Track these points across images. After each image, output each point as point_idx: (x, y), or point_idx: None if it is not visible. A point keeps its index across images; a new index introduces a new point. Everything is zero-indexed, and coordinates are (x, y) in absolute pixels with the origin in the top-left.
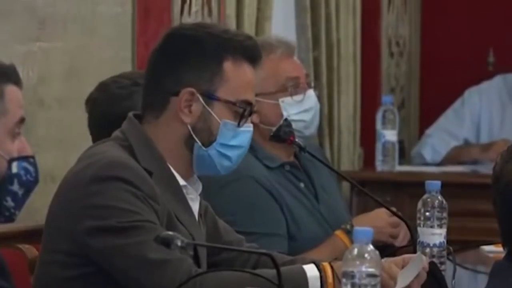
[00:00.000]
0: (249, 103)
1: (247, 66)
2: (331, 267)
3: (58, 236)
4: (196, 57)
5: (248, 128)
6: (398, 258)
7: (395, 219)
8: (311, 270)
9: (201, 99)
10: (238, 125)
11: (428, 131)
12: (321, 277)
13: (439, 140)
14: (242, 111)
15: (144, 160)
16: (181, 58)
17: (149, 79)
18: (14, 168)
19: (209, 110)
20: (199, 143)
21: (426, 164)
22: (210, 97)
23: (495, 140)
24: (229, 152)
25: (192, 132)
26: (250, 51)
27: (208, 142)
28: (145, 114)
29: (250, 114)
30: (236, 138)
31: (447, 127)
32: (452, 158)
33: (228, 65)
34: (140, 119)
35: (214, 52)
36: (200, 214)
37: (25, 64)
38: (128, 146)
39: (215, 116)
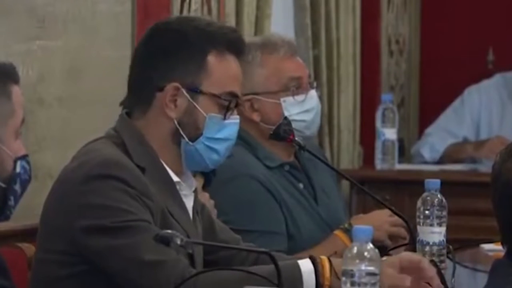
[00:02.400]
0: (234, 95)
1: (232, 58)
2: (329, 261)
3: (52, 234)
4: (180, 51)
5: (234, 120)
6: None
7: (395, 218)
8: (305, 265)
9: (186, 93)
10: (224, 118)
11: (428, 130)
12: (316, 271)
13: (438, 138)
14: (228, 103)
15: (137, 157)
16: (165, 53)
17: (134, 75)
18: (18, 167)
19: (194, 104)
20: (186, 138)
21: (426, 162)
22: (194, 91)
23: (489, 138)
24: (217, 146)
25: (178, 127)
26: (234, 44)
27: (194, 136)
28: (133, 110)
29: (236, 105)
30: (222, 131)
31: (446, 126)
32: (449, 155)
33: (212, 58)
34: (130, 115)
35: (198, 46)
36: (196, 212)
37: (24, 62)
38: (121, 143)
39: (200, 110)
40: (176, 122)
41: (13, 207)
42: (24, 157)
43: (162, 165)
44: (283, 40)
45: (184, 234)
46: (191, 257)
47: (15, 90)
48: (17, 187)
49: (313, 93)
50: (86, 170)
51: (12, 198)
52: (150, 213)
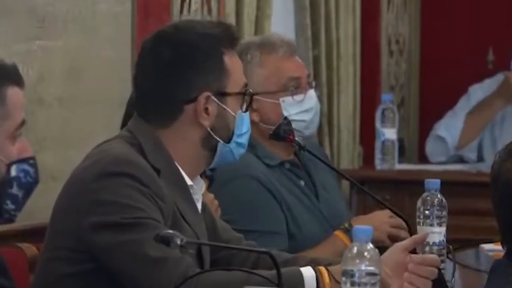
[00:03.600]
0: (247, 84)
1: (234, 52)
2: (327, 269)
3: (61, 232)
4: (198, 61)
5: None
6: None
7: (395, 219)
8: (307, 270)
9: (215, 99)
10: (246, 110)
11: (436, 126)
12: (317, 277)
13: (450, 119)
14: (251, 96)
15: (152, 158)
16: (184, 66)
17: (151, 90)
18: (13, 171)
19: (224, 107)
20: (221, 141)
21: (429, 162)
22: (222, 95)
23: (502, 80)
24: (243, 140)
25: (211, 133)
26: (234, 39)
27: (227, 137)
28: (150, 119)
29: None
30: (243, 124)
31: (455, 122)
32: (471, 122)
33: (226, 59)
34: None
35: (212, 51)
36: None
37: (25, 62)
38: (137, 144)
39: (230, 111)
40: (209, 129)
41: (15, 210)
42: (25, 160)
43: (177, 168)
44: (282, 40)
45: (195, 237)
46: (200, 257)
47: (13, 92)
48: (16, 190)
49: (312, 93)
50: (98, 168)
51: (9, 202)
52: (161, 214)
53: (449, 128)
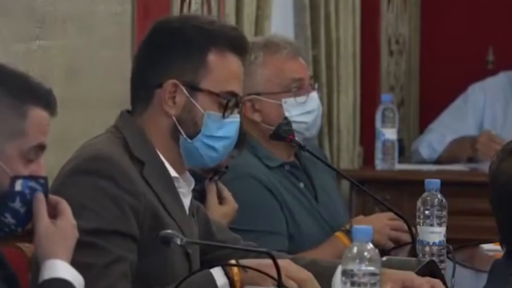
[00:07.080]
0: (234, 94)
1: (233, 57)
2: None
3: None
4: (179, 49)
5: (234, 119)
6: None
7: (395, 222)
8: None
9: (184, 90)
10: (223, 116)
11: (430, 126)
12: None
13: (437, 136)
14: (226, 102)
15: (137, 150)
16: (164, 51)
17: (135, 73)
18: (18, 186)
19: (193, 101)
20: (184, 135)
21: (424, 162)
22: (193, 88)
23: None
24: (215, 144)
25: (177, 124)
26: (235, 42)
27: (193, 133)
28: (135, 107)
29: (237, 105)
30: (222, 129)
31: (448, 123)
32: (448, 153)
33: (212, 57)
34: (131, 113)
35: (198, 44)
36: (192, 213)
37: (24, 63)
38: (121, 137)
39: (199, 107)
40: (175, 119)
41: (14, 225)
42: (35, 178)
43: (162, 160)
44: (286, 41)
45: (179, 231)
46: (187, 257)
47: (36, 113)
48: (18, 205)
49: (314, 95)
50: (74, 163)
51: (8, 215)
52: (132, 214)
53: (431, 147)
